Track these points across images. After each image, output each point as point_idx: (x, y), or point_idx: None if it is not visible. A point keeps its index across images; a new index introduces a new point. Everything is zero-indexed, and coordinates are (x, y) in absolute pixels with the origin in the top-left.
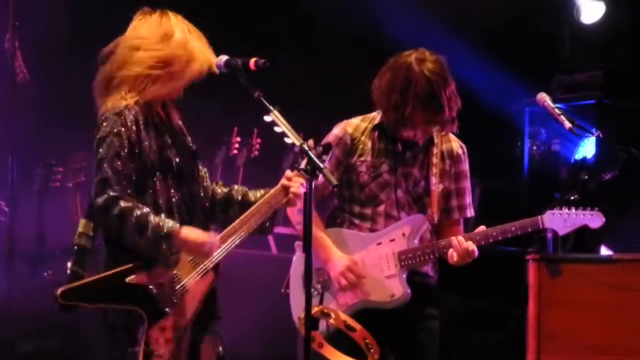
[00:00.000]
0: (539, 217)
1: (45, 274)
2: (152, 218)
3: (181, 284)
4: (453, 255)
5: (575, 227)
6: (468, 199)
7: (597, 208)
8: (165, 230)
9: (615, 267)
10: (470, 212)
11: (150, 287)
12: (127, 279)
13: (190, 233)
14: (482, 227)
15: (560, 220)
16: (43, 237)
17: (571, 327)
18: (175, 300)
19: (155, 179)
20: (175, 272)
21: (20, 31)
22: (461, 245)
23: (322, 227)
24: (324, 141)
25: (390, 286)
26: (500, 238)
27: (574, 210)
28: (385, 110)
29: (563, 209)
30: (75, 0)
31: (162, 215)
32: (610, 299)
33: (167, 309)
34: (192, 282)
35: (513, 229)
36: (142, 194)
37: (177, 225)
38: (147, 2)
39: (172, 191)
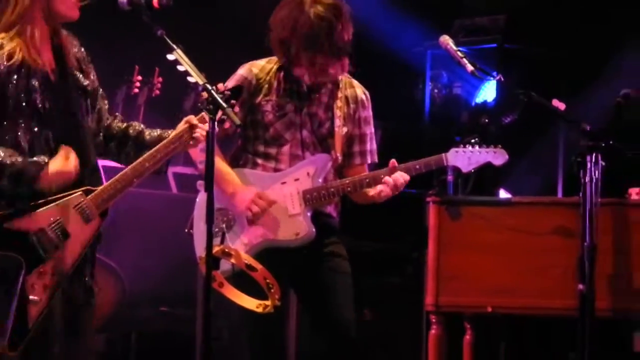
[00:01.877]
0: (443, 154)
1: None
2: (8, 160)
3: (62, 229)
4: (377, 191)
5: (479, 164)
6: (370, 145)
7: (500, 146)
8: (21, 170)
9: (514, 210)
10: (372, 158)
11: (29, 232)
12: (5, 225)
13: (53, 165)
14: (393, 161)
15: (465, 157)
16: None
17: (470, 270)
18: (56, 246)
19: (18, 122)
20: (58, 217)
21: None
22: (396, 181)
23: (226, 164)
24: (231, 83)
25: (294, 225)
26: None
27: (477, 148)
28: (275, 47)
29: (467, 146)
30: None
31: (22, 157)
32: (509, 241)
33: (46, 255)
34: (76, 227)
35: (417, 166)
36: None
37: (41, 163)
38: None
39: (36, 130)
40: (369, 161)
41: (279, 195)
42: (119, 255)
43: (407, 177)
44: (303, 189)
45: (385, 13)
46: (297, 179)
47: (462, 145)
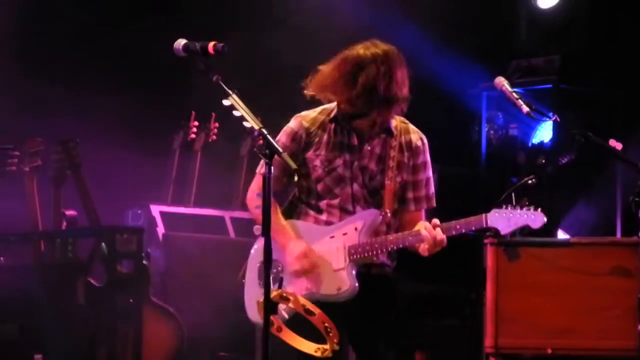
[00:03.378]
0: (484, 215)
1: (0, 258)
2: None
3: None
4: (424, 249)
5: (517, 226)
6: (425, 191)
7: (540, 209)
8: None
9: (572, 251)
10: (429, 204)
11: None
12: None
13: None
14: (435, 220)
15: (504, 219)
16: None
17: (528, 311)
18: None
19: None
20: None
21: None
22: (434, 236)
23: (279, 214)
24: (283, 137)
25: (337, 279)
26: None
27: (517, 210)
28: (338, 99)
29: (508, 207)
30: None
31: None
32: (567, 282)
33: None
34: None
35: (458, 226)
36: None
37: None
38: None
39: None
40: (425, 207)
41: (326, 249)
42: (177, 300)
43: (444, 236)
44: (349, 244)
45: (441, 55)
46: (345, 234)
47: (503, 207)
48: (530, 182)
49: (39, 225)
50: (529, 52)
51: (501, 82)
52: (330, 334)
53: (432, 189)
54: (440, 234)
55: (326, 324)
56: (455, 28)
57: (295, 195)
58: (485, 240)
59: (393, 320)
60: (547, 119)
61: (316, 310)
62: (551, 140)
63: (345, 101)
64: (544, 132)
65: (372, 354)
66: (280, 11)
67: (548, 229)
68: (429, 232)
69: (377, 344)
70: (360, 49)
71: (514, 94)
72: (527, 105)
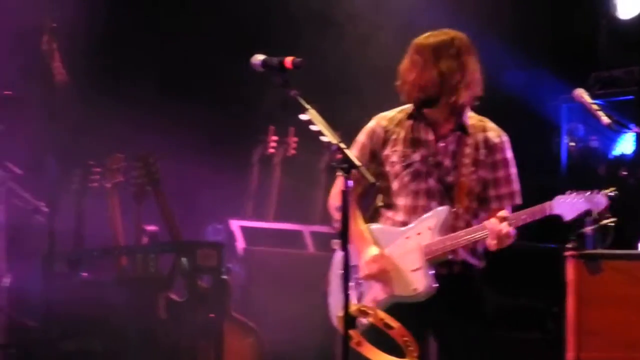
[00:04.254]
0: (547, 203)
1: (83, 274)
2: None
3: None
4: (490, 243)
5: (580, 211)
6: (507, 188)
7: (601, 191)
8: None
9: None
10: (512, 201)
11: None
12: None
13: None
14: (502, 212)
15: (567, 205)
16: (81, 238)
17: (611, 324)
18: None
19: None
20: None
21: (58, 32)
22: (494, 229)
23: (360, 221)
24: (360, 136)
25: (414, 280)
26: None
27: (580, 194)
28: (407, 88)
29: (572, 193)
30: (112, 1)
31: None
32: None
33: None
34: None
35: (523, 216)
36: None
37: None
38: (180, 6)
39: None
40: (508, 205)
41: (402, 251)
42: (258, 315)
43: (510, 229)
44: (424, 244)
45: (522, 68)
46: (419, 233)
47: (568, 192)
48: (611, 194)
49: (120, 241)
50: (610, 63)
51: (581, 93)
52: (410, 348)
53: (516, 186)
54: (505, 228)
55: (405, 338)
56: (536, 40)
57: (377, 199)
58: (566, 253)
59: (478, 321)
60: (628, 131)
61: (395, 323)
62: (633, 152)
63: (416, 88)
64: (625, 144)
65: (457, 353)
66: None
67: (630, 242)
68: (494, 225)
69: (462, 344)
70: (430, 37)
71: (594, 105)
72: (608, 116)
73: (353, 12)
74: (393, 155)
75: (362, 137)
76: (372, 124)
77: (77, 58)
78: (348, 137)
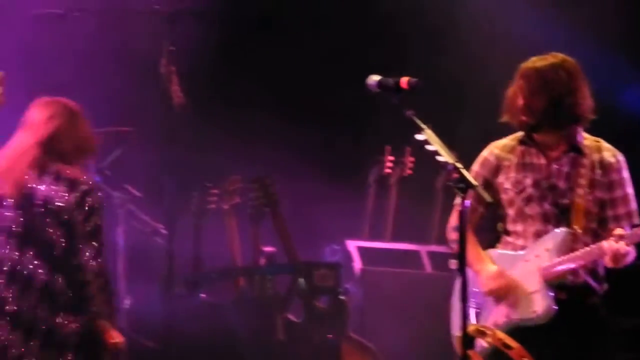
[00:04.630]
0: None
1: (201, 295)
2: None
3: None
4: (608, 261)
5: None
6: (625, 208)
7: None
8: None
9: None
10: (630, 221)
11: None
12: None
13: None
14: (619, 231)
15: None
16: (200, 260)
17: None
18: None
19: None
20: None
21: (175, 56)
22: (611, 248)
23: (476, 245)
24: (475, 166)
25: (533, 302)
26: None
27: None
28: (516, 114)
29: None
30: (227, 24)
31: None
32: None
33: None
34: None
35: None
36: None
37: None
38: (295, 28)
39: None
40: (626, 224)
41: (520, 274)
42: (375, 336)
43: (627, 247)
44: (542, 266)
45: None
46: (537, 256)
47: None
48: None
49: (238, 262)
50: None
51: None
52: None
53: (634, 205)
54: (623, 247)
55: (525, 359)
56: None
57: (492, 225)
58: None
59: (602, 353)
60: None
61: (514, 344)
62: None
63: (526, 113)
64: None
65: None
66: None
67: None
68: (610, 244)
69: None
70: (538, 61)
71: None
72: None
73: (467, 29)
74: (506, 182)
75: (476, 166)
76: (485, 153)
77: (194, 81)
78: (465, 157)
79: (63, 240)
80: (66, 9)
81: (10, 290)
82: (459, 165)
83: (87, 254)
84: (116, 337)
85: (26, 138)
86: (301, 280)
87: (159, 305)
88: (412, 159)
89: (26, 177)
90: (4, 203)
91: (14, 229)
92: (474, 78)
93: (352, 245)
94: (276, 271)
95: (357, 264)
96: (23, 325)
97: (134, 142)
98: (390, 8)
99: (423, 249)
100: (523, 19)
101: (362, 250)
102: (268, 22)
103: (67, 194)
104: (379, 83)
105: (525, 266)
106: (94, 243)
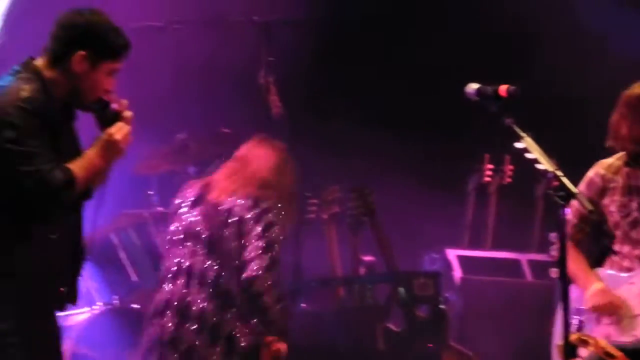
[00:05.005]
0: None
1: (302, 305)
2: None
3: None
4: None
5: None
6: None
7: None
8: None
9: None
10: None
11: None
12: None
13: None
14: None
15: None
16: (300, 269)
17: None
18: None
19: None
20: None
21: (273, 66)
22: None
23: (581, 261)
24: (581, 186)
25: (636, 325)
26: None
27: None
28: (621, 141)
29: None
30: (324, 33)
31: None
32: None
33: None
34: None
35: None
36: None
37: None
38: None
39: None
40: None
41: (625, 296)
42: (476, 344)
43: None
44: None
45: None
46: None
47: None
48: None
49: (338, 271)
50: None
51: None
52: None
53: None
54: None
55: None
56: None
57: (602, 242)
58: None
59: None
60: None
61: (617, 353)
62: None
63: (630, 141)
64: None
65: None
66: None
67: None
68: None
69: None
70: (637, 88)
71: None
72: None
73: (570, 33)
74: (612, 205)
75: (582, 186)
76: (590, 173)
77: (292, 91)
78: (566, 165)
79: (240, 251)
80: (166, 21)
81: (202, 295)
82: (559, 173)
83: (258, 266)
84: (279, 346)
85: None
86: (401, 290)
87: None
88: (511, 167)
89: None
90: (193, 210)
91: (203, 237)
92: (579, 85)
93: (452, 254)
94: (376, 280)
95: (457, 273)
96: (209, 330)
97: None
98: (488, 16)
99: (523, 258)
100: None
101: (462, 259)
102: (366, 30)
103: (249, 209)
104: (478, 91)
105: (630, 289)
106: (267, 255)
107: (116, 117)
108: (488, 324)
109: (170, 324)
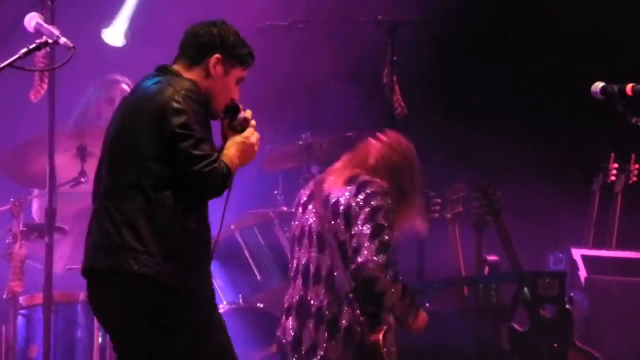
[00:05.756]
0: None
1: (426, 304)
2: None
3: None
4: None
5: None
6: None
7: None
8: None
9: None
10: None
11: None
12: None
13: None
14: None
15: None
16: (423, 269)
17: None
18: None
19: None
20: None
21: (398, 65)
22: None
23: None
24: None
25: None
26: None
27: None
28: None
29: None
30: (450, 33)
31: None
32: None
33: None
34: None
35: None
36: None
37: None
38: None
39: None
40: None
41: None
42: (602, 345)
43: None
44: None
45: None
46: None
47: None
48: None
49: (462, 271)
50: None
51: None
52: None
53: None
54: None
55: None
56: None
57: None
58: None
59: None
60: None
61: None
62: None
63: None
64: None
65: None
66: None
67: None
68: None
69: None
70: None
71: None
72: None
73: None
74: None
75: None
76: None
77: (414, 90)
78: None
79: (350, 240)
80: (290, 21)
81: (319, 291)
82: None
83: (368, 251)
84: (378, 334)
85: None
86: (525, 289)
87: None
88: (637, 166)
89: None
90: (307, 207)
91: (315, 232)
92: None
93: (577, 253)
94: (500, 280)
95: (582, 273)
96: (326, 325)
97: None
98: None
99: None
100: None
101: (587, 259)
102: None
103: (355, 196)
104: (603, 89)
105: None
106: (375, 240)
107: (245, 123)
108: (614, 324)
109: (292, 325)
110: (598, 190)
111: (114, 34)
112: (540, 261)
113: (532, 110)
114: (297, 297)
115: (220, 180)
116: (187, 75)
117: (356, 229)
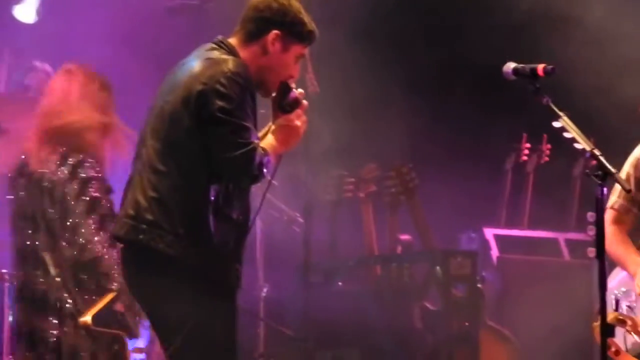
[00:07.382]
0: None
1: (338, 284)
2: None
3: None
4: None
5: None
6: None
7: None
8: None
9: None
10: None
11: None
12: None
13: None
14: None
15: None
16: (336, 248)
17: None
18: None
19: None
20: None
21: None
22: None
23: (628, 242)
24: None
25: None
26: None
27: None
28: None
29: None
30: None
31: None
32: None
33: None
34: None
35: None
36: None
37: None
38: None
39: None
40: None
41: None
42: (513, 323)
43: None
44: None
45: None
46: None
47: None
48: None
49: (375, 250)
50: None
51: None
52: None
53: None
54: None
55: None
56: None
57: None
58: None
59: None
60: None
61: None
62: None
63: None
64: None
65: None
66: None
67: None
68: None
69: None
70: None
71: None
72: None
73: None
74: None
75: (627, 166)
76: (637, 152)
77: (330, 70)
78: (604, 145)
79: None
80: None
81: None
82: (596, 152)
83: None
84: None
85: None
86: (438, 269)
87: (296, 293)
88: (549, 146)
89: None
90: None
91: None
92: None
93: (490, 232)
94: (413, 259)
95: (494, 252)
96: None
97: None
98: None
99: (561, 237)
100: None
101: (499, 238)
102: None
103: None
104: (515, 70)
105: None
106: (93, 216)
107: (295, 104)
108: (525, 303)
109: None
110: (510, 170)
111: (26, 10)
112: (453, 240)
113: (446, 91)
114: None
115: (255, 168)
116: (243, 51)
117: (70, 210)
